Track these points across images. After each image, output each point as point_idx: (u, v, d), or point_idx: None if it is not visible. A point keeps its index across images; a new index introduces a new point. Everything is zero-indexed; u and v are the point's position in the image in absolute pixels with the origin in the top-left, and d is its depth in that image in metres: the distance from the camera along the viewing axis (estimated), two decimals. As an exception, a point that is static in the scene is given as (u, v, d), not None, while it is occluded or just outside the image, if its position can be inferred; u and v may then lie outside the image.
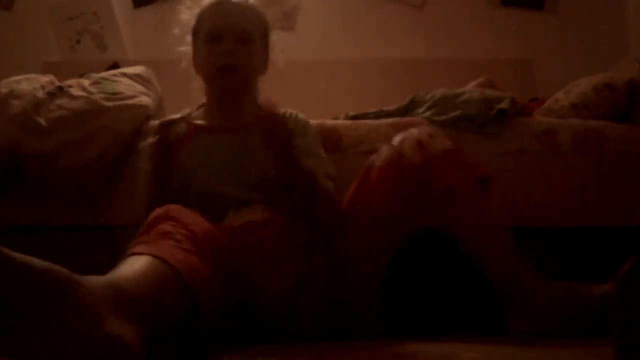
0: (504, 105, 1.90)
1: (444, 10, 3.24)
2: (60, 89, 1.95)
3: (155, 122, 1.97)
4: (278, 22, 3.14)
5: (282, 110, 1.67)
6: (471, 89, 2.12)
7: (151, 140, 1.64)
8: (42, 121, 1.84)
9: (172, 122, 1.65)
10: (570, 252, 1.84)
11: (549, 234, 1.85)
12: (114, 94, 1.95)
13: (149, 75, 2.15)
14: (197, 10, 1.67)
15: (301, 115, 1.69)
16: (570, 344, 1.40)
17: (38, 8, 3.23)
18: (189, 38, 1.68)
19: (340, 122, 1.98)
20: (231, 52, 1.57)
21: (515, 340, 1.49)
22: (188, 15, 1.69)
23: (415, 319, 1.81)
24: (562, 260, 1.84)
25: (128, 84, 2.03)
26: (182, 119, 1.66)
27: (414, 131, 1.48)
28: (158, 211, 1.30)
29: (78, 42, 3.20)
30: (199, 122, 1.64)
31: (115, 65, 2.78)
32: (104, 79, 2.04)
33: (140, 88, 2.05)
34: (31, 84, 1.99)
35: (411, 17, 3.24)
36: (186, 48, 1.69)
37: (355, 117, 2.04)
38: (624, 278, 0.93)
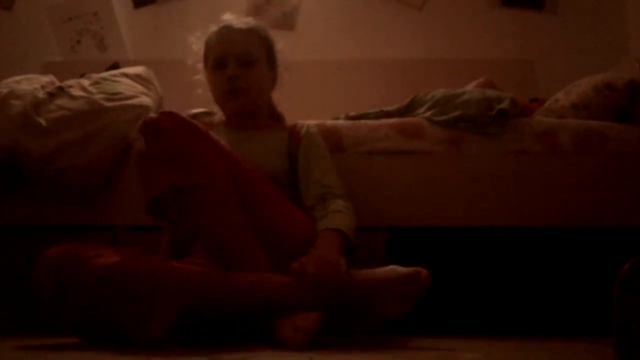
0: (504, 105, 1.90)
1: (444, 10, 3.24)
2: (60, 89, 1.95)
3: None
4: (278, 22, 3.16)
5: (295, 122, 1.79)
6: (471, 89, 2.12)
7: None
8: (42, 121, 1.84)
9: (197, 115, 1.80)
10: (570, 252, 1.84)
11: (549, 234, 1.85)
12: (114, 94, 1.94)
13: (149, 75, 2.14)
14: (205, 37, 1.78)
15: (313, 128, 1.78)
16: (571, 343, 1.40)
17: (38, 8, 3.22)
18: (201, 65, 1.79)
19: (340, 122, 1.99)
20: (235, 77, 1.68)
21: (515, 340, 1.49)
22: (197, 46, 1.78)
23: (415, 319, 1.81)
24: (562, 261, 1.84)
25: (128, 84, 2.03)
26: (206, 114, 1.81)
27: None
28: None
29: (78, 42, 3.19)
30: (219, 118, 1.78)
31: (115, 65, 2.78)
32: (104, 79, 2.03)
33: (140, 88, 2.05)
34: (31, 84, 1.99)
35: (411, 17, 3.23)
36: (200, 76, 1.80)
37: (355, 117, 2.04)
38: (624, 278, 0.93)
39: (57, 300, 1.29)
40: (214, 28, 1.77)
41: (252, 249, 1.37)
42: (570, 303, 1.81)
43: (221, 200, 1.37)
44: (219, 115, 1.81)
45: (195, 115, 1.81)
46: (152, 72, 2.18)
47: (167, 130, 1.35)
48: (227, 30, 1.74)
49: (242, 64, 1.69)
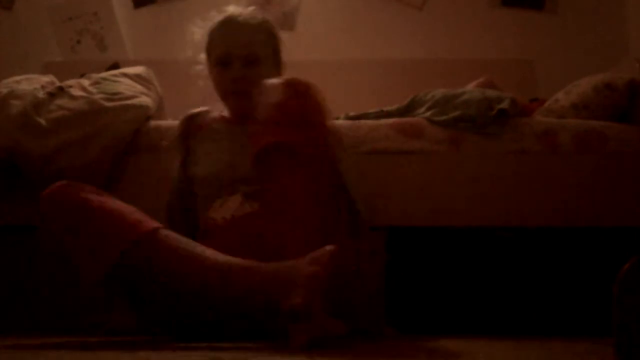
0: (504, 105, 1.90)
1: (444, 10, 3.23)
2: (60, 89, 1.95)
3: (156, 122, 1.98)
4: (278, 22, 3.15)
5: None
6: (471, 89, 2.12)
7: (176, 134, 1.75)
8: (42, 121, 1.84)
9: (194, 116, 1.75)
10: (570, 252, 1.84)
11: (549, 234, 1.85)
12: (114, 94, 1.95)
13: (149, 75, 2.15)
14: (208, 26, 1.69)
15: None
16: (571, 343, 1.40)
17: (38, 8, 3.22)
18: (203, 56, 1.71)
19: (340, 122, 1.99)
20: (240, 78, 1.60)
21: (515, 340, 1.49)
22: (199, 35, 1.70)
23: (416, 319, 1.81)
24: (562, 261, 1.84)
25: (128, 84, 2.03)
26: (205, 112, 1.75)
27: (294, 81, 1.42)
28: None
29: (78, 42, 3.19)
30: (218, 114, 1.73)
31: (115, 65, 2.78)
32: (104, 79, 2.04)
33: (140, 88, 2.05)
34: (31, 84, 1.99)
35: (411, 17, 3.23)
36: (201, 67, 1.71)
37: (355, 117, 2.04)
38: (624, 278, 0.93)
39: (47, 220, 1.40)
40: (217, 17, 1.67)
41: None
42: (570, 303, 1.81)
43: (320, 169, 1.38)
44: (217, 109, 1.78)
45: (194, 115, 1.77)
46: (152, 72, 2.18)
47: (304, 94, 1.38)
48: (231, 25, 1.65)
49: (247, 64, 1.62)
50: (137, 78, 2.09)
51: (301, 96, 1.37)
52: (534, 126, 1.92)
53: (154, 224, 1.37)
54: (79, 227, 1.36)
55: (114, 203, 1.41)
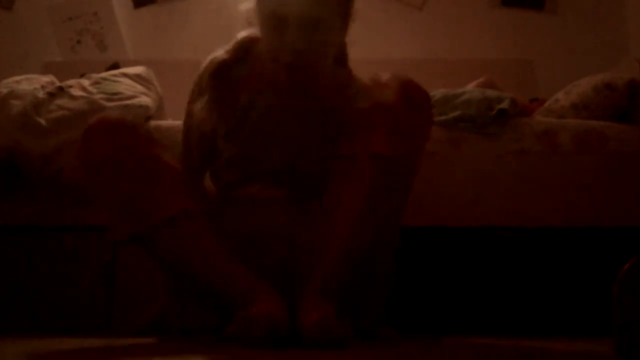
0: (504, 105, 1.90)
1: (444, 10, 3.23)
2: (60, 89, 1.95)
3: (156, 122, 1.97)
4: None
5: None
6: (471, 89, 2.12)
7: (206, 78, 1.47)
8: (42, 121, 1.85)
9: (230, 65, 1.45)
10: (570, 252, 1.84)
11: (549, 234, 1.85)
12: (114, 94, 1.95)
13: (149, 75, 2.14)
14: None
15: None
16: (571, 343, 1.40)
17: (38, 8, 3.22)
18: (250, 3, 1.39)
19: (340, 122, 1.98)
20: (299, 50, 1.30)
21: (515, 340, 1.49)
22: None
23: (416, 319, 1.81)
24: (562, 261, 1.84)
25: (128, 84, 2.03)
26: (244, 55, 1.45)
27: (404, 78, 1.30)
28: None
29: (78, 42, 3.19)
30: (266, 71, 1.40)
31: (115, 65, 2.78)
32: (104, 79, 2.04)
33: (140, 88, 2.05)
34: (31, 84, 1.99)
35: (411, 17, 3.23)
36: (245, 6, 1.39)
37: (355, 117, 2.04)
38: (624, 278, 0.93)
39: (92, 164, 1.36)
40: None
41: None
42: (570, 303, 1.81)
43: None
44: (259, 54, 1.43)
45: (250, 43, 1.42)
46: (152, 72, 2.18)
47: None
48: None
49: (306, 27, 1.28)
50: (137, 78, 2.09)
51: (419, 107, 1.26)
52: (534, 126, 1.92)
53: (185, 204, 1.31)
54: (123, 180, 1.30)
55: (162, 164, 1.34)
